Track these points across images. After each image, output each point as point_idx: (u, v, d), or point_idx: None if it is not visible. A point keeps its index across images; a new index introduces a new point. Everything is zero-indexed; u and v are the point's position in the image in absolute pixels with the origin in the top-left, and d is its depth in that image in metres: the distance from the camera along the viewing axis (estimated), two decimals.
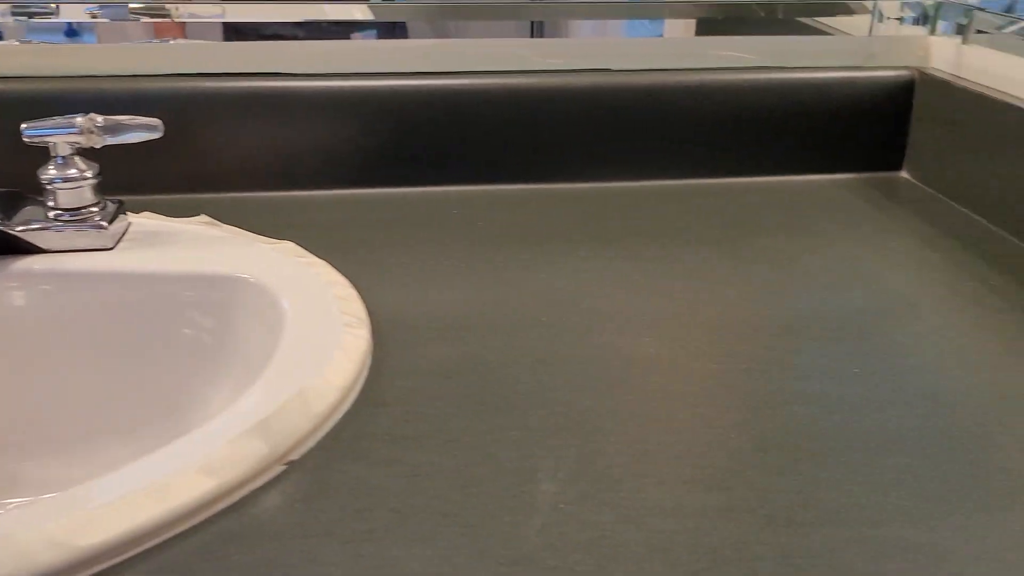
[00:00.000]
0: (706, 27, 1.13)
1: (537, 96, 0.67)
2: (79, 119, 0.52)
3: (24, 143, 0.51)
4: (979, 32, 0.65)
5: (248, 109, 0.64)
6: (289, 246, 0.54)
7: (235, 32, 0.69)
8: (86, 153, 0.53)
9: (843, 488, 0.35)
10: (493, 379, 0.43)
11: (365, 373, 0.43)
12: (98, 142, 0.52)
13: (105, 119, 0.52)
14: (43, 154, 0.52)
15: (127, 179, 0.62)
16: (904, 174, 0.72)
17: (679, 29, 1.29)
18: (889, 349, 0.46)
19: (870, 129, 0.71)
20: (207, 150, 0.65)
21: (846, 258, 0.56)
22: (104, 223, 0.53)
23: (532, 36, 0.74)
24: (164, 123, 0.53)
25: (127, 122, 0.52)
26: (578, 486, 0.35)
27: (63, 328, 0.52)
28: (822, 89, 0.69)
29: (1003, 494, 0.35)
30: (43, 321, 0.52)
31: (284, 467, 0.36)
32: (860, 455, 0.37)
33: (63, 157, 0.52)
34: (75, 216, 0.53)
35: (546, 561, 0.32)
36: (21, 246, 0.52)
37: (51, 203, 0.53)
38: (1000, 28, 0.63)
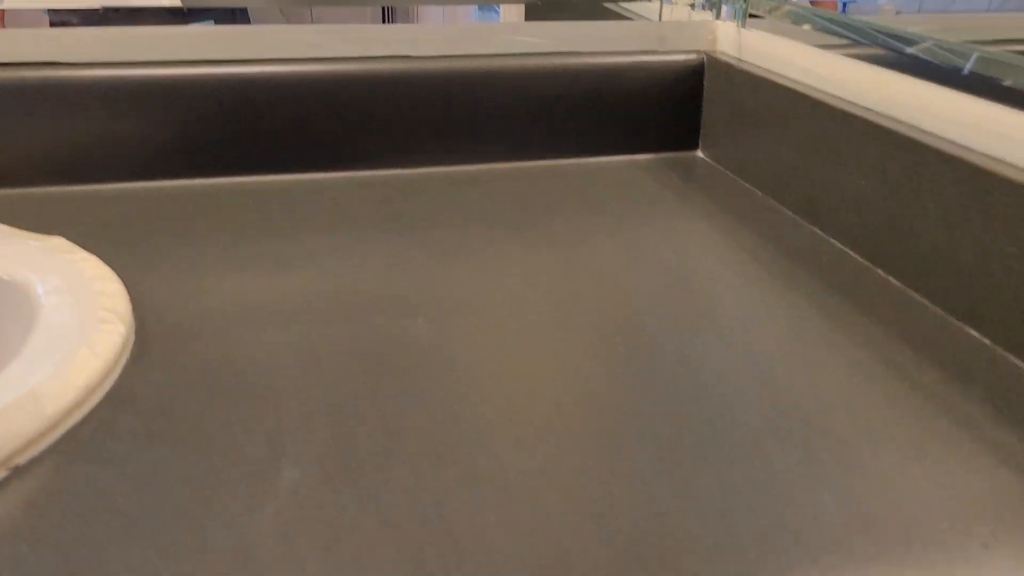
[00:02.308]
0: (533, 14, 1.14)
1: (332, 83, 0.66)
2: None
3: None
4: (752, 16, 0.68)
5: (24, 101, 0.61)
6: (58, 242, 0.52)
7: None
8: None
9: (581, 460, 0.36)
10: (255, 372, 0.42)
11: (117, 371, 0.41)
12: None
13: None
14: None
15: None
16: (700, 153, 0.74)
17: (512, 15, 1.30)
18: (647, 319, 0.47)
19: (667, 111, 0.73)
20: None
21: (632, 238, 0.58)
22: None
23: (384, 22, 0.73)
24: None
25: None
26: (322, 470, 0.35)
27: None
28: (615, 72, 0.70)
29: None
30: None
31: (7, 473, 0.35)
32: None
33: None
34: None
35: (273, 548, 0.31)
36: None
37: None
38: (771, 12, 0.66)
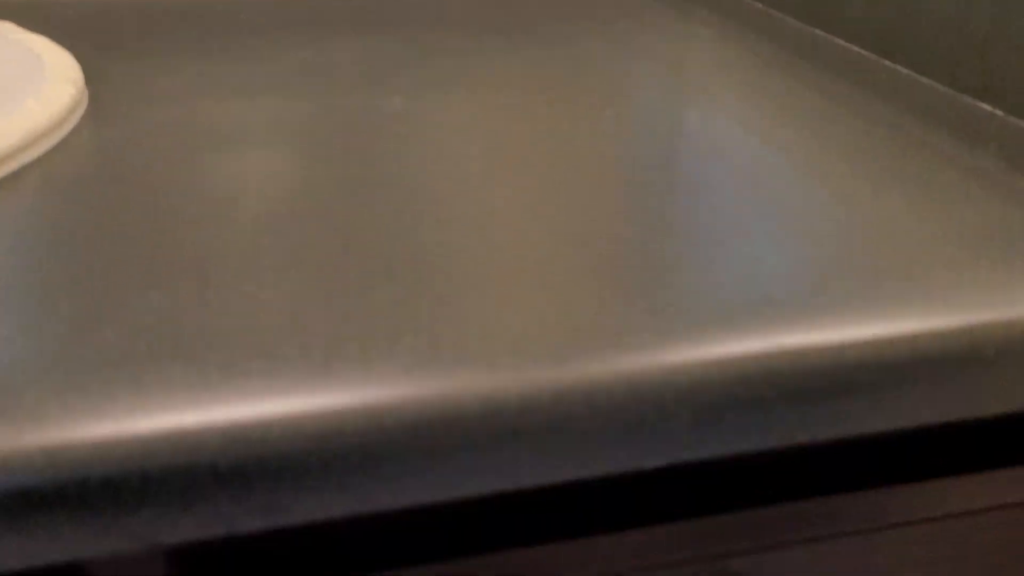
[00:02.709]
0: None
1: None
2: None
3: None
4: None
5: None
6: (7, 25, 0.48)
7: None
8: None
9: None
10: (220, 131, 0.39)
11: (66, 129, 0.39)
12: None
13: None
14: None
15: None
16: None
17: None
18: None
19: None
20: None
21: (626, 40, 0.55)
22: None
23: None
24: None
25: None
26: (288, 206, 0.33)
27: None
28: None
29: None
30: None
31: None
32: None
33: None
34: None
35: (234, 268, 0.29)
36: None
37: None
38: None
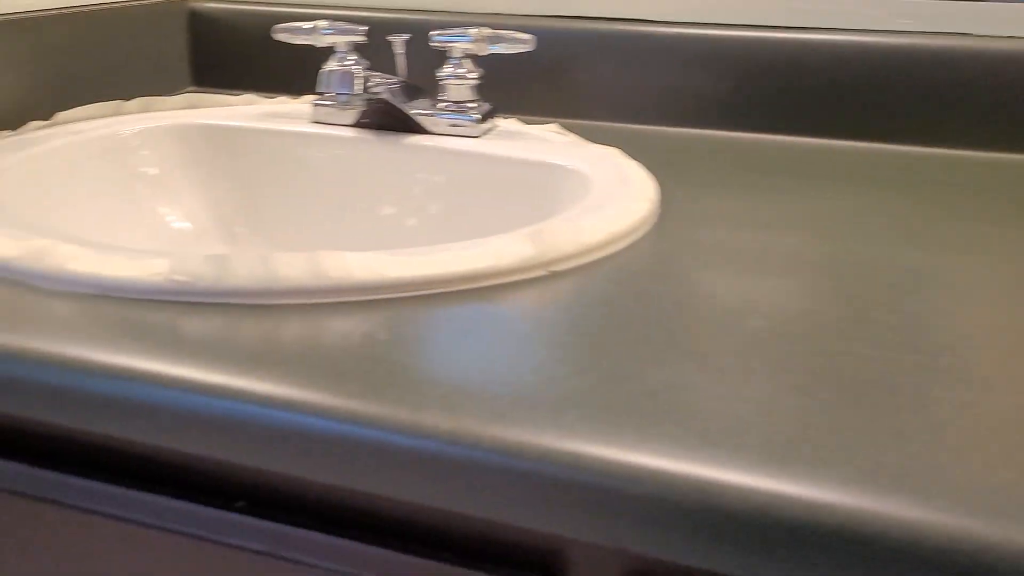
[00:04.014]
0: None
1: (886, 56, 0.68)
2: (472, 30, 0.65)
3: (428, 49, 0.66)
4: None
5: (610, 49, 0.74)
6: (613, 151, 0.63)
7: None
8: (473, 60, 0.66)
9: None
10: (739, 287, 0.47)
11: (638, 235, 0.50)
12: (484, 50, 0.65)
13: (491, 31, 0.65)
14: (440, 58, 0.67)
15: (504, 101, 0.76)
16: None
17: None
18: None
19: None
20: (569, 82, 0.76)
21: None
22: (478, 116, 0.66)
23: None
24: (537, 53, 0.65)
25: (506, 35, 0.65)
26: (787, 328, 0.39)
27: (431, 186, 0.65)
28: None
29: None
30: (421, 180, 0.66)
31: (546, 272, 0.45)
32: None
33: (456, 59, 0.66)
34: (456, 108, 0.66)
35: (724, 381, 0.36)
36: (411, 126, 0.67)
37: (440, 96, 0.67)
38: None
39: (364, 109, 0.67)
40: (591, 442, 0.31)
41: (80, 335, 0.38)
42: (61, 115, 0.67)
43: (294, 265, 0.41)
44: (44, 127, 0.66)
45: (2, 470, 0.42)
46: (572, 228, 0.46)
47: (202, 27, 0.83)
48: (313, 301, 0.41)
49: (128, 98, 0.74)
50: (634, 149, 0.67)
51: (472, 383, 0.35)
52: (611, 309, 0.41)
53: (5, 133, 0.64)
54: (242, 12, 0.82)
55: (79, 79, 0.72)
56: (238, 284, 0.41)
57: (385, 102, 0.66)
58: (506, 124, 0.70)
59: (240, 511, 0.39)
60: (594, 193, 0.53)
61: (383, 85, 0.67)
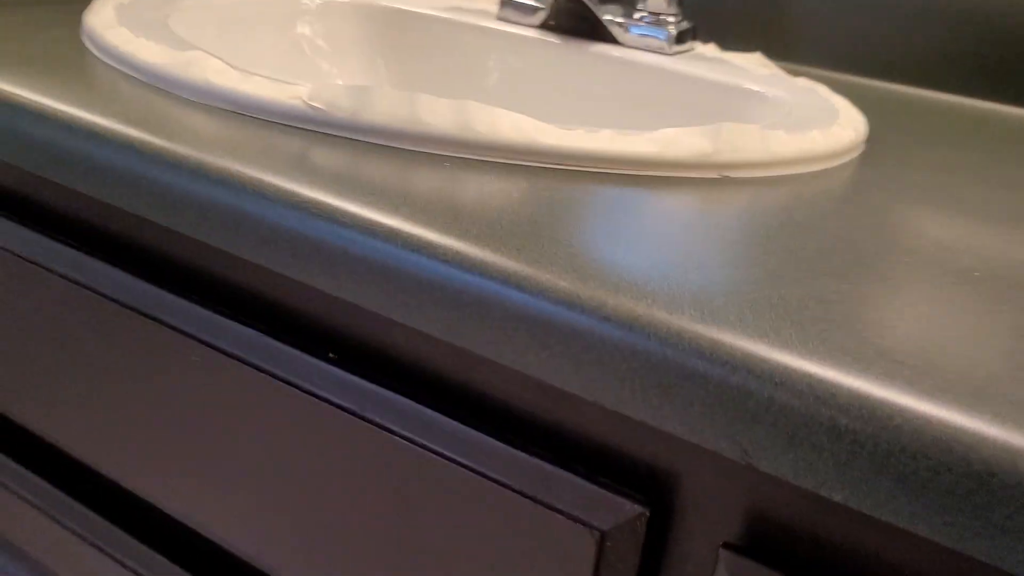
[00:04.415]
0: None
1: None
2: None
3: None
4: None
5: None
6: (821, 86, 0.55)
7: None
8: None
9: None
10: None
11: (842, 160, 0.43)
12: None
13: None
14: None
15: (705, 23, 0.69)
16: None
17: None
18: None
19: None
20: (782, 15, 0.68)
21: None
22: (674, 32, 0.60)
23: None
24: None
25: None
26: None
27: (611, 102, 0.60)
28: None
29: None
30: (599, 96, 0.60)
31: (718, 176, 0.38)
32: None
33: None
34: (653, 21, 0.60)
35: None
36: (601, 33, 0.61)
37: (638, 4, 0.61)
38: None
39: (554, 8, 0.63)
40: (735, 331, 0.25)
41: (210, 143, 0.35)
42: None
43: (439, 111, 0.37)
44: None
45: (111, 275, 0.41)
46: (759, 134, 0.40)
47: None
48: (454, 154, 0.37)
49: None
50: (845, 96, 0.59)
51: (608, 254, 0.29)
52: (790, 220, 0.34)
53: None
54: None
55: None
56: (376, 120, 0.37)
57: (578, 2, 0.61)
58: (703, 48, 0.63)
59: (332, 362, 0.35)
60: (792, 117, 0.46)
61: None
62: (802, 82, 0.55)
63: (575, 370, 0.27)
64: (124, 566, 0.45)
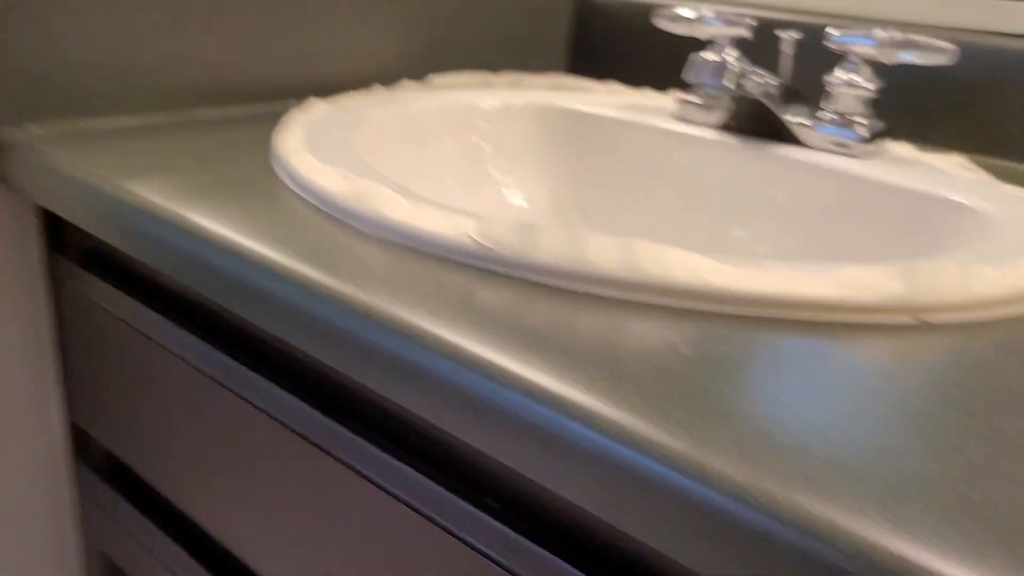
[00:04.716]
0: None
1: None
2: (879, 31, 0.55)
3: (820, 54, 0.57)
4: None
5: None
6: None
7: None
8: (873, 68, 0.57)
9: None
10: None
11: None
12: (890, 56, 0.55)
13: (902, 35, 0.55)
14: (831, 63, 0.57)
15: (900, 123, 0.65)
16: None
17: None
18: None
19: None
20: (987, 109, 0.62)
21: None
22: (866, 134, 0.56)
23: None
24: (953, 70, 0.53)
25: (920, 42, 0.54)
26: None
27: (794, 208, 0.57)
28: None
29: None
30: (781, 202, 0.57)
31: (915, 322, 0.35)
32: None
33: (853, 63, 0.56)
34: (842, 122, 0.57)
35: None
36: (784, 135, 0.58)
37: (823, 104, 0.58)
38: None
39: (733, 109, 0.60)
40: (932, 550, 0.22)
41: (377, 281, 0.36)
42: (435, 79, 0.68)
43: (606, 250, 0.36)
44: (416, 88, 0.67)
45: (294, 407, 0.42)
46: (960, 272, 0.36)
47: (586, 12, 0.81)
48: (619, 295, 0.36)
49: (499, 72, 0.74)
50: None
51: (783, 431, 0.27)
52: (997, 382, 0.30)
53: (379, 88, 0.67)
54: (630, 2, 0.79)
55: (456, 46, 0.73)
56: (541, 260, 0.36)
57: (759, 103, 0.58)
58: (898, 149, 0.59)
59: (491, 511, 0.34)
60: (1001, 240, 0.42)
61: (759, 85, 0.59)
62: (1012, 191, 0.50)
63: (700, 550, 0.25)
64: None
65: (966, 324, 0.35)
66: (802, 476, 0.25)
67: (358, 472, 0.39)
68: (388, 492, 0.38)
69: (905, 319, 0.35)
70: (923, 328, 0.35)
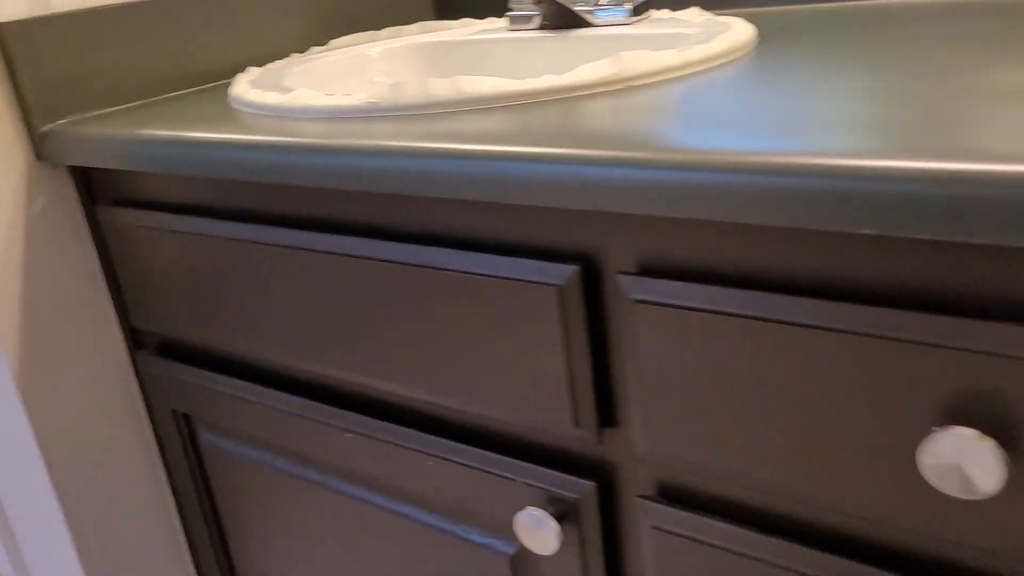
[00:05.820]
0: None
1: None
2: None
3: None
4: None
5: None
6: (736, 19, 0.75)
7: None
8: None
9: None
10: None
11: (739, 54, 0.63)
12: None
13: None
14: None
15: None
16: None
17: None
18: None
19: None
20: None
21: None
22: (630, 8, 0.81)
23: None
24: None
25: None
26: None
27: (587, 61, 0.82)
28: None
29: None
30: (578, 63, 0.82)
31: (623, 87, 0.60)
32: None
33: None
34: (612, 3, 0.82)
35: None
36: (579, 23, 0.84)
37: None
38: None
39: (544, 12, 0.86)
40: None
41: (316, 136, 0.60)
42: (334, 42, 0.93)
43: (442, 86, 0.60)
44: (322, 50, 0.91)
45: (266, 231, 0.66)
46: (649, 56, 0.61)
47: None
48: (456, 109, 0.60)
49: (381, 28, 0.99)
50: (769, 22, 0.78)
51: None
52: (743, 88, 0.55)
53: (295, 55, 0.91)
54: None
55: (348, 16, 0.97)
56: (406, 102, 0.61)
57: (559, 4, 0.83)
58: (657, 13, 0.85)
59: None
60: (693, 41, 0.67)
61: None
62: (722, 18, 0.76)
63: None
64: None
65: (658, 82, 0.60)
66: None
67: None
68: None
69: (619, 87, 0.60)
70: (630, 89, 0.60)
